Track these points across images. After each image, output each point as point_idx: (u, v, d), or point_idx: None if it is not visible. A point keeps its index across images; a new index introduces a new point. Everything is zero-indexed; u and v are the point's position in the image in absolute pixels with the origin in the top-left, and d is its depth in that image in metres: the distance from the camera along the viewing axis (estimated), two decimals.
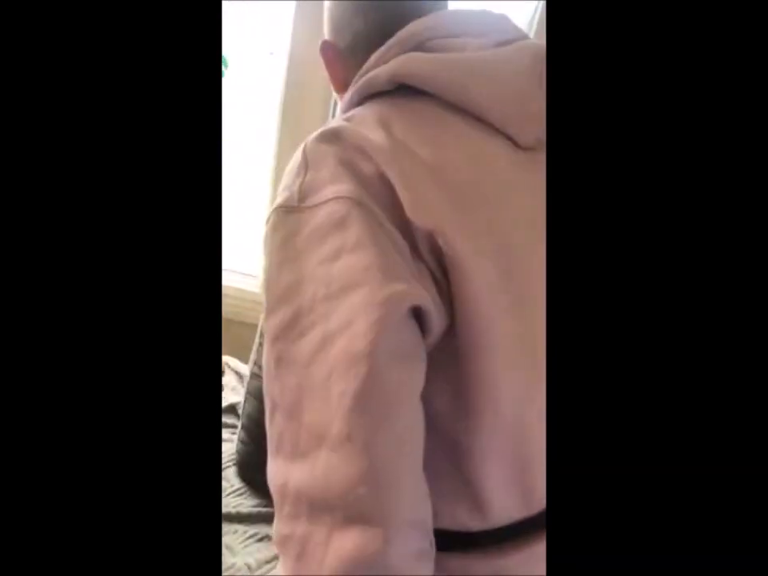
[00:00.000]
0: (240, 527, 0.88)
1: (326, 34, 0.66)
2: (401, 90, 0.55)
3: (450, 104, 0.53)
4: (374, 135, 0.50)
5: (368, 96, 0.58)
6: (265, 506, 0.93)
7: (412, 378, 0.43)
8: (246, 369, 1.25)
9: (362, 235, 0.44)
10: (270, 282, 0.47)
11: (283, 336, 0.44)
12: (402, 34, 0.58)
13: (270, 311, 0.46)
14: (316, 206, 0.46)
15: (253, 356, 1.03)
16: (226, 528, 0.87)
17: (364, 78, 0.58)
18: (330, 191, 0.46)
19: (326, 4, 0.66)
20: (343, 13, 0.63)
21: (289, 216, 0.47)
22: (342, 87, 0.66)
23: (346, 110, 0.60)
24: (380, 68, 0.56)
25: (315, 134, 0.52)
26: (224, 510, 0.90)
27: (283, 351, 0.44)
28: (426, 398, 0.44)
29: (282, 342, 0.44)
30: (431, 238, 0.45)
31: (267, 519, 0.90)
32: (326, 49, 0.65)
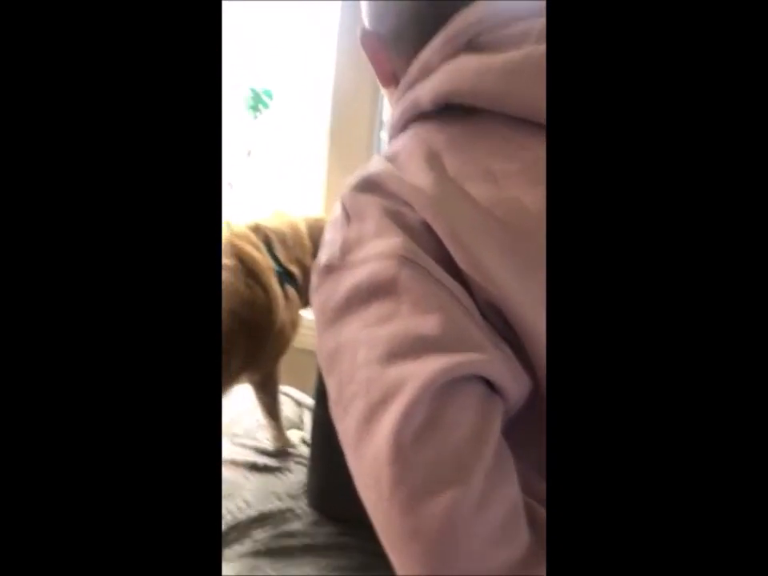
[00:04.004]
0: (320, 559, 0.90)
1: (365, 21, 0.57)
2: (451, 107, 0.48)
3: (508, 116, 0.46)
4: (421, 179, 0.44)
5: (415, 118, 0.51)
6: (339, 534, 0.94)
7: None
8: (306, 398, 1.27)
9: (417, 298, 0.39)
10: (318, 354, 0.43)
11: (335, 417, 0.40)
12: (449, 31, 0.49)
13: (327, 388, 0.42)
14: (358, 263, 0.42)
15: (315, 384, 1.05)
16: (308, 560, 0.89)
17: (407, 100, 0.51)
18: (374, 247, 0.41)
19: None
20: None
21: (329, 276, 0.43)
22: (389, 80, 0.58)
23: (392, 133, 0.55)
24: (422, 86, 0.49)
25: (352, 182, 0.47)
26: (301, 541, 0.92)
27: (340, 434, 0.40)
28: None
29: (336, 422, 0.40)
30: (493, 306, 0.40)
31: (343, 548, 0.92)
32: (367, 39, 0.56)
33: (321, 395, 1.04)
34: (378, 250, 0.41)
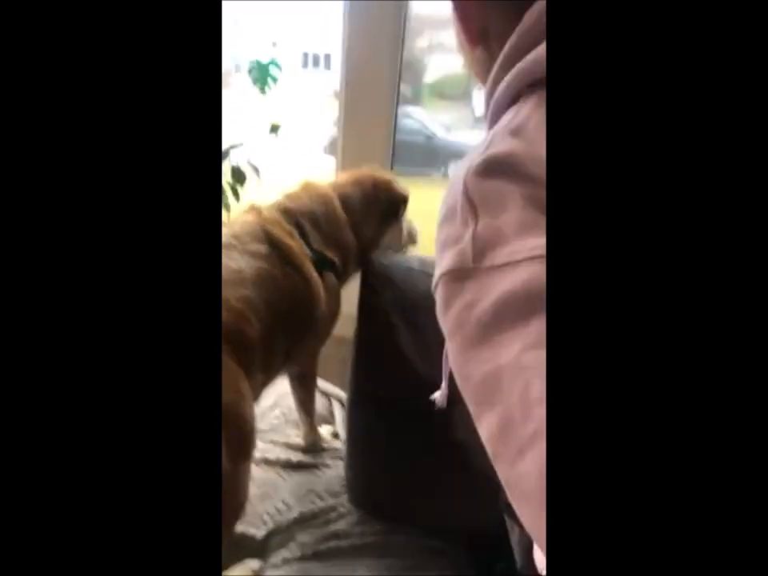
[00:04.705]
0: (371, 560, 0.86)
1: None
2: None
3: None
4: None
5: (534, 84, 0.42)
6: (386, 533, 0.90)
7: None
8: (333, 388, 1.21)
9: None
10: (459, 377, 0.37)
11: (499, 456, 0.33)
12: None
13: (475, 416, 0.35)
14: (504, 266, 0.35)
15: (349, 379, 0.98)
16: (359, 562, 0.85)
17: (526, 63, 0.42)
18: (523, 246, 0.35)
19: None
20: None
21: (464, 284, 0.36)
22: (477, 38, 0.49)
23: (501, 103, 0.46)
24: (543, 45, 0.41)
25: (474, 165, 0.39)
26: (349, 542, 0.88)
27: (507, 477, 0.33)
28: None
29: (500, 463, 0.33)
30: None
31: (392, 547, 0.88)
32: None
33: (356, 392, 0.98)
34: (532, 252, 0.34)
